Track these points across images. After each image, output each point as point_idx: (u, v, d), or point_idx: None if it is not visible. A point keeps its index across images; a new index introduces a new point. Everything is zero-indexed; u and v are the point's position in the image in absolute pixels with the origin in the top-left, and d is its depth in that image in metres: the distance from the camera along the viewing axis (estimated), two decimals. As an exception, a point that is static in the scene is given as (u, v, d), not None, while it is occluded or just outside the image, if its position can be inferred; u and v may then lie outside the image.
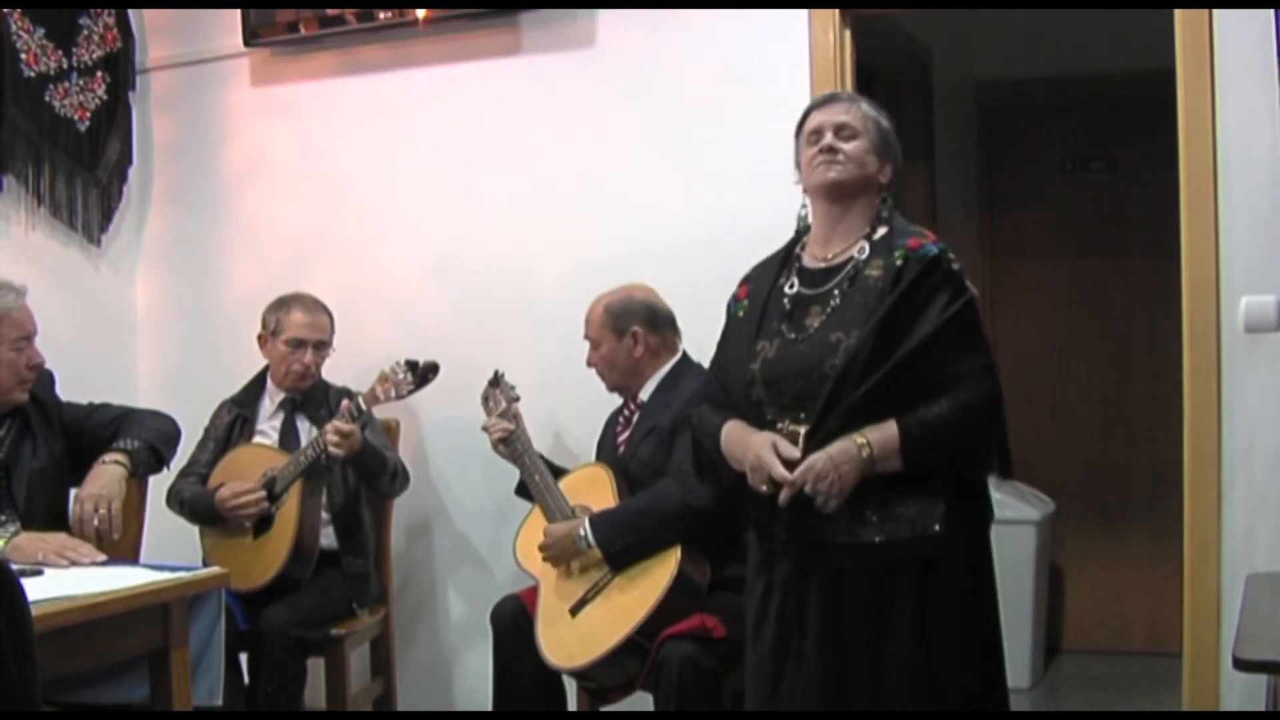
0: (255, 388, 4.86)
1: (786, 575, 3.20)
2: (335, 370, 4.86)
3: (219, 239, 5.62)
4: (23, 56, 5.12)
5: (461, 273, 5.14)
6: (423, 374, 4.46)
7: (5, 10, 5.06)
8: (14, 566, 2.77)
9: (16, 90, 5.10)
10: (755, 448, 3.14)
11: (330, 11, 5.19)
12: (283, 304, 4.79)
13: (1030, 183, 6.75)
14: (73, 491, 3.90)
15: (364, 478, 4.67)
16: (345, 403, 4.48)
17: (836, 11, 4.57)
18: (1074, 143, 6.77)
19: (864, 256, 3.19)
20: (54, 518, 3.85)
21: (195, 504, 4.62)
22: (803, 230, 3.41)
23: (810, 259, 3.32)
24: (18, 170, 5.16)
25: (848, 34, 4.62)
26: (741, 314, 3.39)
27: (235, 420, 4.80)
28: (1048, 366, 6.66)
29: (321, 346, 4.77)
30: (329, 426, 4.43)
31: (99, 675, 3.36)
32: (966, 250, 6.59)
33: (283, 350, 4.74)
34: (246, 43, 5.35)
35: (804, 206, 3.37)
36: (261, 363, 4.87)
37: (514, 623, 4.24)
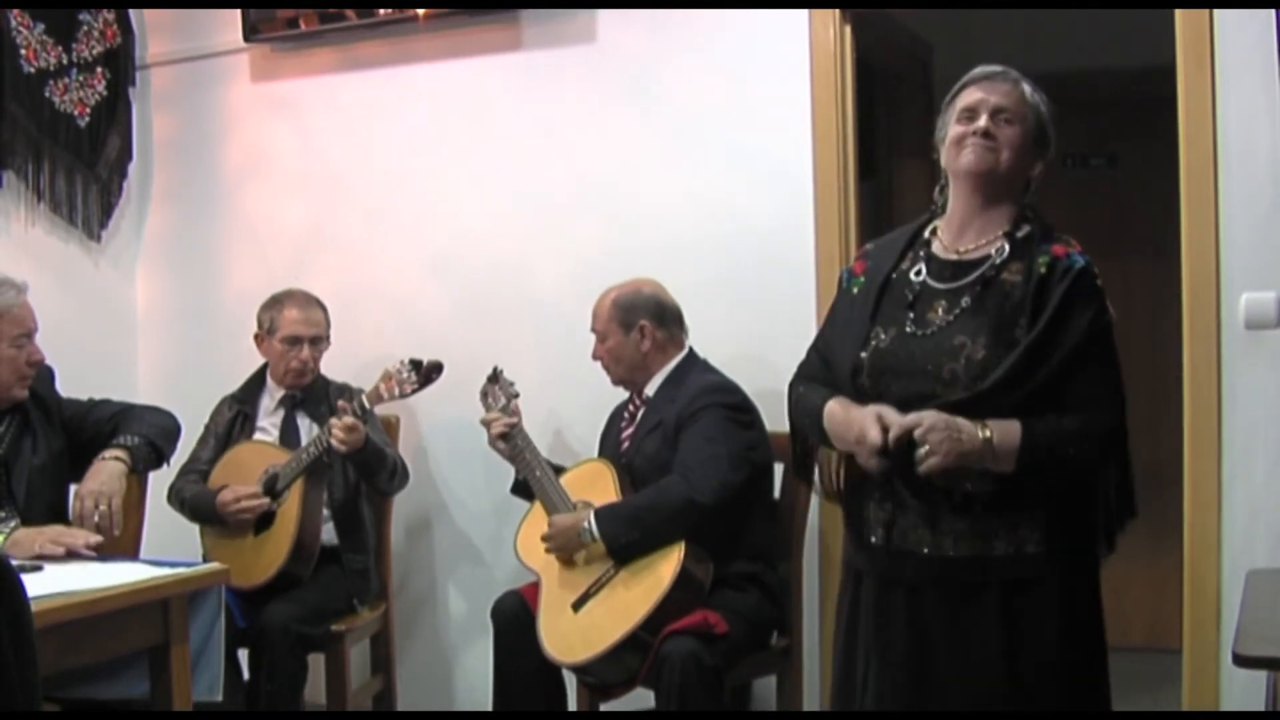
0: (255, 385, 4.86)
1: (874, 591, 3.01)
2: (335, 367, 4.86)
3: (219, 236, 5.62)
4: (22, 52, 5.12)
5: (461, 270, 5.14)
6: (427, 373, 4.46)
7: (5, 7, 5.05)
8: (14, 562, 2.77)
9: (16, 86, 5.10)
10: (860, 420, 2.88)
11: (330, 9, 5.18)
12: (276, 302, 4.79)
13: (1030, 180, 6.74)
14: (73, 488, 3.91)
15: (364, 475, 4.67)
16: (342, 403, 4.48)
17: (837, 10, 4.56)
18: (1074, 139, 6.74)
19: (1002, 258, 2.95)
20: (54, 514, 3.86)
21: (196, 504, 4.62)
22: (935, 213, 3.14)
23: (941, 247, 3.06)
24: (18, 166, 5.16)
25: (848, 31, 4.62)
26: (856, 290, 3.11)
27: (236, 417, 4.80)
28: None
29: (318, 341, 4.77)
30: (335, 421, 4.43)
31: (99, 671, 3.36)
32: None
33: (279, 348, 4.74)
34: (246, 39, 5.35)
35: (942, 189, 3.10)
36: (261, 359, 4.87)
37: (515, 618, 4.24)
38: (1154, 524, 6.29)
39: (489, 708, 4.35)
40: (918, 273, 3.03)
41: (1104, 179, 6.68)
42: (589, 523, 4.06)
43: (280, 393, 4.80)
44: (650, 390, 4.36)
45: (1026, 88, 3.09)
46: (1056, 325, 2.84)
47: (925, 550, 2.91)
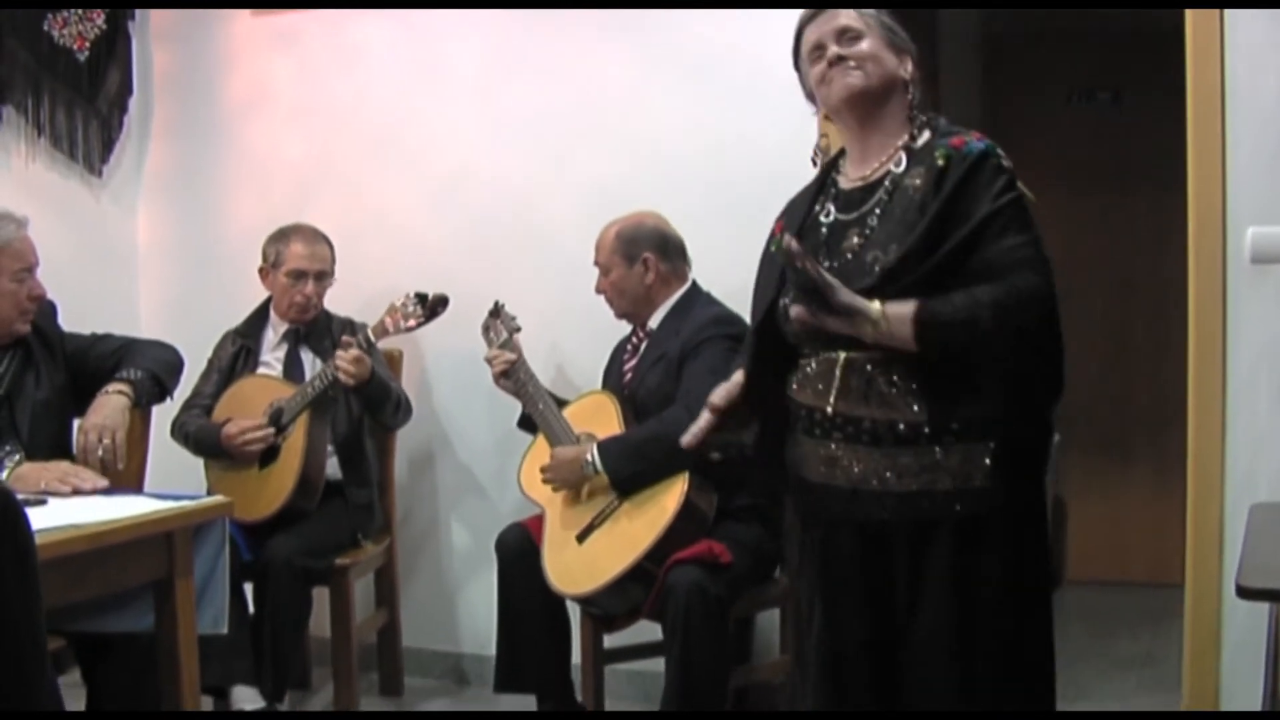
0: (258, 319, 4.86)
1: (819, 536, 2.90)
2: (338, 301, 4.86)
3: (220, 170, 5.60)
4: (21, -15, 5.09)
5: (464, 202, 5.13)
6: (432, 307, 4.45)
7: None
8: (19, 496, 2.78)
9: (14, 20, 5.07)
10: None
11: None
12: (282, 236, 4.79)
13: (1035, 115, 6.71)
14: (76, 422, 3.91)
15: (369, 408, 4.67)
16: (347, 338, 4.48)
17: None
18: (1079, 75, 6.72)
19: (902, 168, 2.86)
20: (57, 448, 3.85)
21: (200, 437, 4.63)
22: (838, 155, 3.06)
23: (846, 180, 2.97)
24: (17, 101, 5.14)
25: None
26: (774, 249, 3.04)
27: (239, 351, 4.80)
28: (1052, 299, 6.63)
29: (323, 277, 4.77)
30: (342, 354, 4.43)
31: (105, 604, 3.36)
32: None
33: (284, 282, 4.74)
34: (246, -28, 5.31)
35: (819, 142, 3.17)
36: (264, 293, 4.87)
37: (519, 550, 4.25)
38: (1157, 460, 6.36)
39: (493, 640, 4.37)
40: (828, 213, 2.95)
41: (1109, 114, 6.65)
42: (591, 455, 4.07)
43: (284, 327, 4.80)
44: (653, 323, 4.35)
45: (861, 11, 2.94)
46: (954, 201, 2.73)
47: (874, 484, 2.77)
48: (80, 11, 5.29)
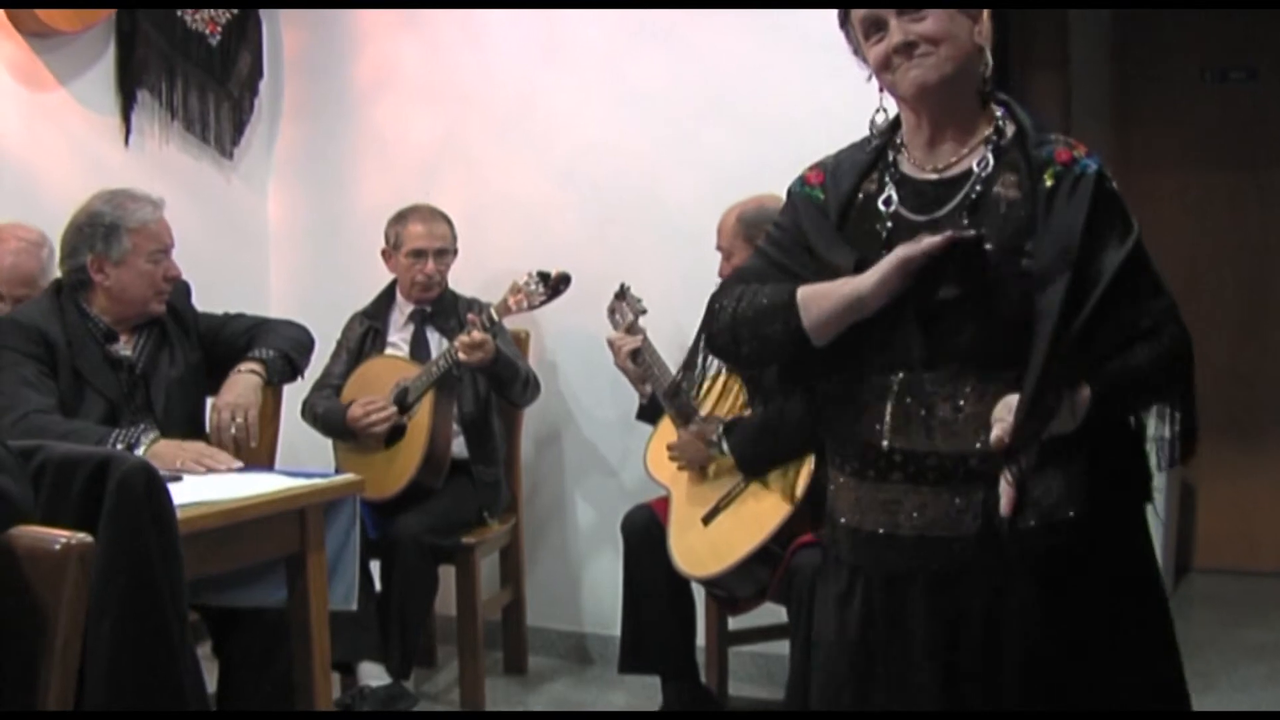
0: (385, 300, 4.91)
1: (874, 590, 2.45)
2: (464, 280, 4.89)
3: (349, 150, 5.66)
4: (155, -28, 5.17)
5: (590, 183, 5.13)
6: (555, 285, 4.47)
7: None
8: (158, 472, 2.83)
9: (149, 5, 5.15)
10: (884, 262, 2.32)
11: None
12: (401, 217, 4.84)
13: (1166, 93, 6.58)
14: (209, 400, 3.97)
15: (496, 387, 4.70)
16: (471, 316, 4.51)
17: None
18: (1212, 52, 6.59)
19: (987, 170, 2.40)
20: (191, 425, 3.93)
21: (329, 418, 4.69)
22: (894, 124, 2.56)
23: (913, 166, 2.49)
24: (151, 85, 5.22)
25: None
26: (821, 196, 2.54)
27: (367, 332, 4.85)
28: (1181, 280, 6.40)
29: (443, 254, 4.81)
30: (461, 337, 4.45)
31: (238, 578, 3.42)
32: (1101, 161, 6.46)
33: (405, 262, 4.79)
34: (376, -45, 5.36)
35: (881, 111, 2.54)
36: (390, 273, 4.92)
37: (645, 531, 4.26)
38: (1290, 442, 6.22)
39: (616, 620, 4.38)
40: (887, 200, 2.47)
41: (1243, 92, 6.50)
42: (717, 435, 4.06)
43: (410, 307, 4.84)
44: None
45: None
46: (1089, 253, 2.29)
47: (942, 530, 2.36)
48: (212, -4, 5.37)
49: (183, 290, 4.06)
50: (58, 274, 3.99)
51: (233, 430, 3.80)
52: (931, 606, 2.36)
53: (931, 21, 2.38)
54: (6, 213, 4.56)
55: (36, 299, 3.98)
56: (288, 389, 4.33)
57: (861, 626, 2.44)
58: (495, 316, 4.50)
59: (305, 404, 4.77)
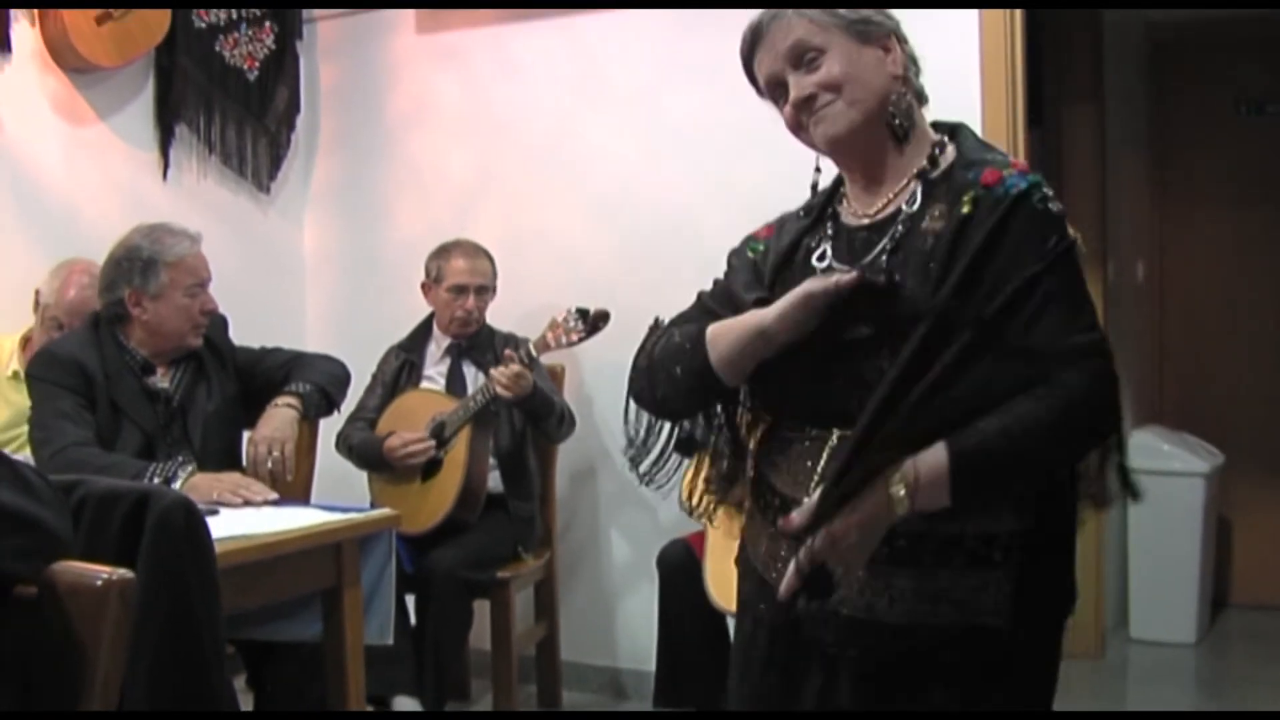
0: (422, 334, 4.92)
1: (771, 644, 2.26)
2: (501, 315, 4.90)
3: (384, 184, 5.68)
4: (194, 8, 5.21)
5: (626, 218, 5.14)
6: (593, 322, 4.47)
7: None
8: (196, 506, 2.84)
9: (188, 41, 5.19)
10: (788, 295, 2.12)
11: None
12: (444, 251, 4.85)
13: (1202, 126, 6.58)
14: (246, 433, 3.99)
15: (532, 421, 4.70)
16: (508, 351, 4.51)
17: (1007, -47, 4.48)
18: (1248, 84, 6.57)
19: (915, 206, 2.16)
20: (228, 458, 3.94)
21: (364, 450, 4.70)
22: (838, 182, 2.37)
23: (850, 215, 2.29)
24: (190, 119, 5.26)
25: (1018, -27, 4.53)
26: (753, 255, 2.39)
27: (403, 366, 4.86)
28: (1218, 315, 6.50)
29: (483, 291, 4.82)
30: (500, 369, 4.46)
31: (274, 612, 3.43)
32: (1135, 194, 6.45)
33: (446, 297, 4.80)
34: (412, -10, 5.40)
35: (818, 170, 2.37)
36: (427, 306, 4.93)
37: (681, 566, 4.25)
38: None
39: (652, 654, 4.37)
40: (823, 255, 2.26)
41: (1279, 125, 6.49)
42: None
43: (446, 341, 4.85)
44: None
45: (802, 12, 2.21)
46: (983, 261, 2.03)
47: (848, 610, 2.10)
48: (250, 31, 5.41)
49: (220, 324, 4.08)
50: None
51: (269, 464, 3.82)
52: (856, 698, 2.14)
53: (825, 68, 2.17)
54: (47, 244, 4.62)
55: (75, 331, 4.01)
56: (323, 422, 4.34)
57: (762, 673, 2.27)
58: (533, 352, 4.51)
59: (340, 436, 4.78)
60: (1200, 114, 6.58)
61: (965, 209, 2.09)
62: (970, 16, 4.53)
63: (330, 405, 4.15)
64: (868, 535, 2.00)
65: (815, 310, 2.08)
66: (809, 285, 2.09)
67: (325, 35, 5.76)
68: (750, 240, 2.44)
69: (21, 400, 4.03)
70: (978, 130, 4.25)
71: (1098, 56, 6.11)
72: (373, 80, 5.69)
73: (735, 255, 2.45)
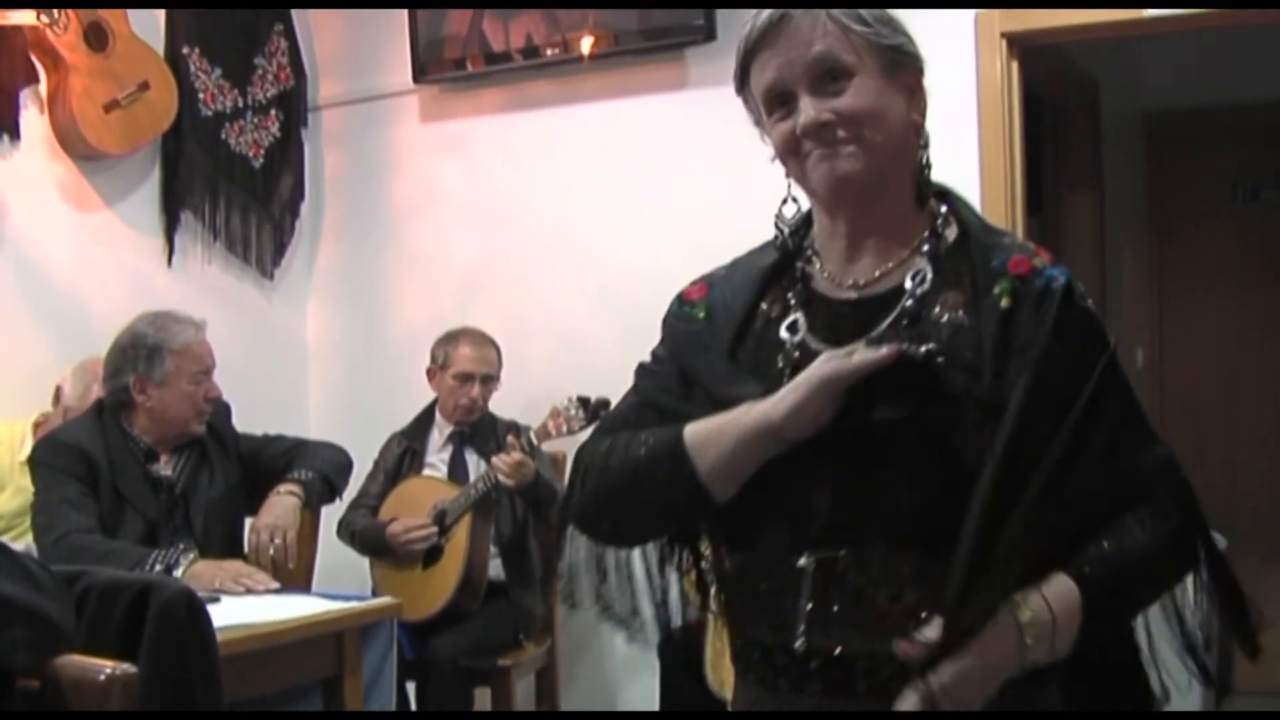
0: (424, 420, 4.94)
1: None
2: (503, 402, 4.91)
3: (388, 271, 5.71)
4: (201, 96, 5.27)
5: (628, 306, 5.16)
6: (594, 410, 4.48)
7: (185, 51, 5.21)
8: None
9: (195, 128, 5.24)
10: (802, 381, 1.75)
11: (497, 48, 5.27)
12: (451, 338, 4.87)
13: (1200, 211, 6.63)
14: (248, 521, 3.99)
15: (534, 509, 4.71)
16: (511, 439, 4.53)
17: (1004, 43, 4.53)
18: (1245, 170, 6.63)
19: (924, 286, 1.83)
20: (230, 546, 3.94)
21: (365, 536, 4.70)
22: (802, 224, 2.00)
23: (826, 281, 1.91)
24: (195, 206, 5.30)
25: (1015, 65, 4.58)
26: (693, 327, 1.99)
27: (405, 453, 4.87)
28: (1218, 399, 6.52)
29: (489, 380, 4.83)
30: (503, 457, 4.47)
31: (274, 701, 3.41)
32: (1135, 280, 6.49)
33: (451, 384, 4.82)
34: (415, 80, 5.45)
35: (791, 201, 1.98)
36: (430, 393, 4.94)
37: (683, 654, 4.23)
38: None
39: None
40: (792, 327, 1.88)
41: (1276, 212, 6.54)
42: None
43: (449, 428, 4.87)
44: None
45: (840, 15, 1.83)
46: (1045, 370, 1.73)
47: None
48: (256, 119, 5.47)
49: (223, 411, 4.09)
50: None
51: (271, 551, 3.82)
52: None
53: (854, 94, 1.82)
54: (54, 329, 4.66)
55: (79, 418, 4.03)
56: (325, 509, 4.35)
57: None
58: (535, 440, 4.52)
59: (341, 522, 4.78)
60: (1198, 200, 6.64)
61: (1004, 302, 1.78)
62: (969, 103, 4.57)
63: (332, 493, 4.16)
64: (992, 680, 1.68)
65: (835, 398, 1.73)
66: (829, 369, 1.73)
67: (330, 123, 5.82)
68: (683, 304, 2.04)
69: (31, 486, 4.05)
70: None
71: (1096, 144, 6.18)
72: (377, 168, 5.73)
73: (674, 324, 2.04)
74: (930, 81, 4.38)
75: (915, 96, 1.91)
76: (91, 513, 3.74)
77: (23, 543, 4.09)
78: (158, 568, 3.53)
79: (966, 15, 4.56)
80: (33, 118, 4.75)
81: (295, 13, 5.67)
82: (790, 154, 1.87)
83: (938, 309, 1.80)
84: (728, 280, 2.02)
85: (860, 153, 1.81)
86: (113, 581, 2.46)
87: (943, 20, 4.57)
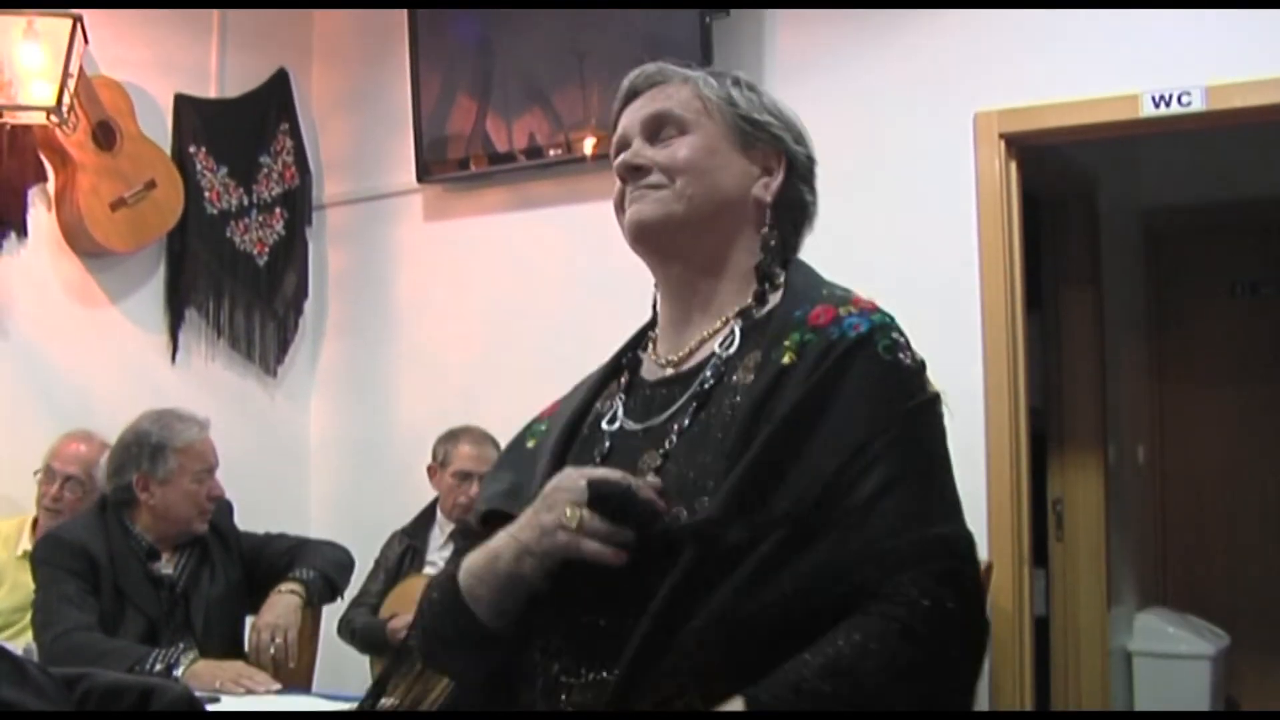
0: (425, 519, 4.94)
1: None
2: (504, 500, 4.91)
3: (390, 369, 5.74)
4: (206, 194, 5.33)
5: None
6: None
7: (191, 150, 5.27)
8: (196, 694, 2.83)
9: (200, 226, 5.30)
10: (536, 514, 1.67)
11: (500, 148, 5.32)
12: (452, 436, 4.88)
13: (1199, 307, 6.67)
14: (249, 619, 3.98)
15: (533, 607, 4.69)
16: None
17: (1002, 142, 4.57)
18: (1243, 266, 6.68)
19: (731, 349, 1.75)
20: (230, 644, 3.93)
21: (366, 634, 4.68)
22: (650, 323, 1.99)
23: (652, 364, 1.89)
24: (199, 303, 5.34)
25: (1013, 163, 4.62)
26: (532, 444, 1.93)
27: (406, 551, 4.87)
28: (1219, 495, 6.52)
29: (488, 478, 4.83)
30: None
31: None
32: (1135, 375, 6.50)
33: (450, 482, 4.82)
34: (419, 179, 5.51)
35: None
36: (431, 491, 4.95)
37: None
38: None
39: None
40: (613, 417, 1.85)
41: (1274, 305, 6.58)
42: None
43: (450, 527, 4.86)
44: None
45: (703, 76, 1.86)
46: (797, 436, 1.57)
47: None
48: (261, 218, 5.52)
49: (225, 509, 4.10)
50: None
51: (272, 650, 3.80)
52: None
53: (679, 146, 1.80)
54: (58, 425, 4.67)
55: (81, 515, 4.03)
56: (327, 608, 4.34)
57: None
58: (533, 539, 4.51)
59: (342, 621, 4.76)
60: (1196, 295, 6.68)
61: (786, 358, 1.63)
62: (969, 202, 4.60)
63: (334, 592, 4.15)
64: None
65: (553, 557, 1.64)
66: (560, 542, 1.62)
67: (334, 221, 5.87)
68: (530, 424, 1.99)
69: (29, 583, 4.04)
70: (976, 315, 4.32)
71: (1094, 241, 6.21)
72: (380, 266, 5.77)
73: (511, 443, 1.99)
74: (930, 180, 4.45)
75: (770, 176, 1.84)
76: (92, 611, 3.73)
77: (23, 640, 4.10)
78: (158, 667, 3.51)
79: (965, 116, 4.60)
80: (40, 215, 4.81)
81: (301, 112, 5.76)
82: (617, 207, 1.89)
83: (737, 374, 1.71)
84: (574, 392, 1.98)
85: (667, 199, 1.80)
86: (114, 685, 2.44)
87: (942, 120, 4.63)
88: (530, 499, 1.73)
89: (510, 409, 5.32)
